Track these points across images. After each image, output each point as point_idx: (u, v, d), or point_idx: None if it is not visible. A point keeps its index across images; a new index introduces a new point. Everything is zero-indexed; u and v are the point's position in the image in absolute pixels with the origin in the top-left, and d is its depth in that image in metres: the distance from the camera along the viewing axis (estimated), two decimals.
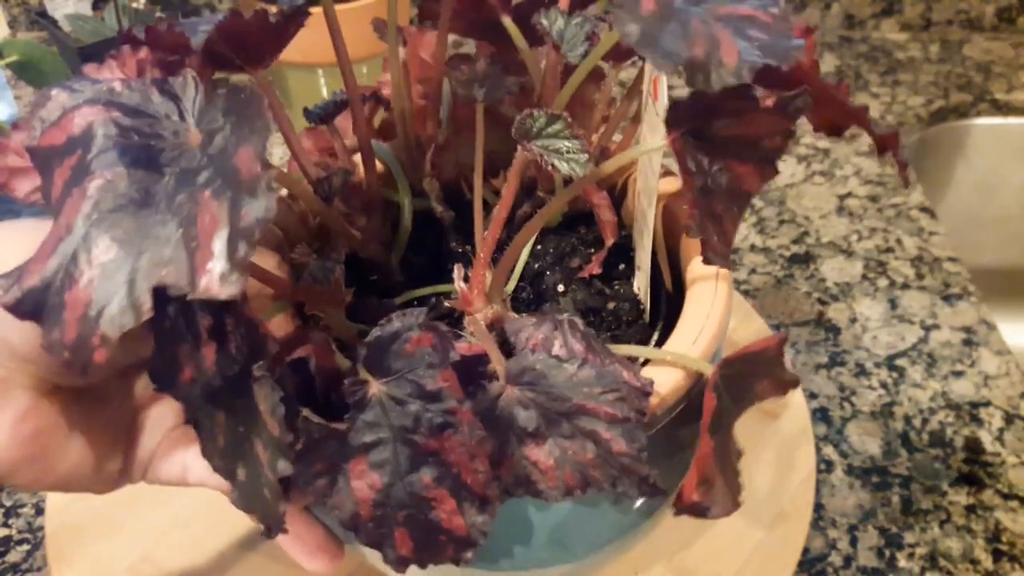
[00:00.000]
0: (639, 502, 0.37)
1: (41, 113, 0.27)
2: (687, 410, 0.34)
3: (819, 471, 0.56)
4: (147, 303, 0.24)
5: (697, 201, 0.30)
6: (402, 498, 0.28)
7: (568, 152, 0.30)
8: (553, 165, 0.30)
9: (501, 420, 0.29)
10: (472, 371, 0.29)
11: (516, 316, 0.34)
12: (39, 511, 0.56)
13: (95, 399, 0.32)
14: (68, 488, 0.32)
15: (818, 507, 0.54)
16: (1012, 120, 0.95)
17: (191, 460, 0.34)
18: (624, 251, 0.43)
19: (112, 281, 0.24)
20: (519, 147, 0.31)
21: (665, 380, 0.32)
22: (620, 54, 0.42)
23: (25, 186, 0.33)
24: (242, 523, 0.54)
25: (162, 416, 0.35)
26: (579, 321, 0.32)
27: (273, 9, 0.31)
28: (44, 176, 0.27)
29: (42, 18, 0.91)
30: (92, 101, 0.27)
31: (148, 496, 0.55)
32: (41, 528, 0.55)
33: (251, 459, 0.28)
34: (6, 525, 0.56)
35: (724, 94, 0.28)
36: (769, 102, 0.31)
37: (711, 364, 0.32)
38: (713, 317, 0.35)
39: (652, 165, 0.36)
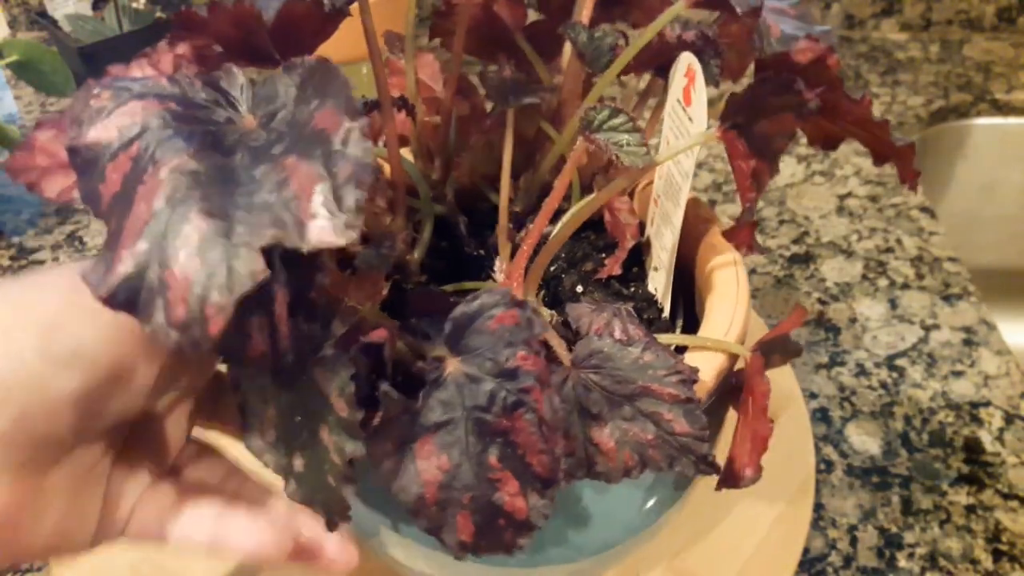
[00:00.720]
0: (651, 502, 0.37)
1: (81, 113, 0.27)
2: (717, 395, 0.34)
3: (819, 471, 0.56)
4: (260, 264, 0.24)
5: (752, 187, 0.31)
6: (468, 479, 0.28)
7: (628, 145, 0.31)
8: (617, 156, 0.31)
9: (567, 403, 0.30)
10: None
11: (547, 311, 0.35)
12: None
13: (71, 467, 0.30)
14: (41, 558, 0.31)
15: (818, 507, 0.54)
16: (1012, 120, 0.96)
17: (171, 518, 0.33)
18: (634, 255, 0.43)
19: (216, 250, 0.24)
20: (580, 138, 0.32)
21: (708, 366, 0.33)
22: (639, 65, 0.42)
23: (55, 185, 0.33)
24: None
25: (138, 475, 0.33)
26: (632, 310, 0.32)
27: None
28: (87, 173, 0.27)
29: (42, 18, 0.91)
30: (140, 96, 0.27)
31: None
32: None
33: (312, 446, 0.28)
34: None
35: (774, 87, 0.29)
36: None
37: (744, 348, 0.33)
38: (740, 303, 0.36)
39: (681, 167, 0.36)
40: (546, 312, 0.36)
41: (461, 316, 0.29)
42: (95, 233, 0.82)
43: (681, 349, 0.35)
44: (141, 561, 0.51)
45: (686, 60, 0.34)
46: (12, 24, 1.20)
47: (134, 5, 0.90)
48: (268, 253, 0.25)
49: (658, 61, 0.39)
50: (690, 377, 0.30)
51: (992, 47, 1.04)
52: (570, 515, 0.34)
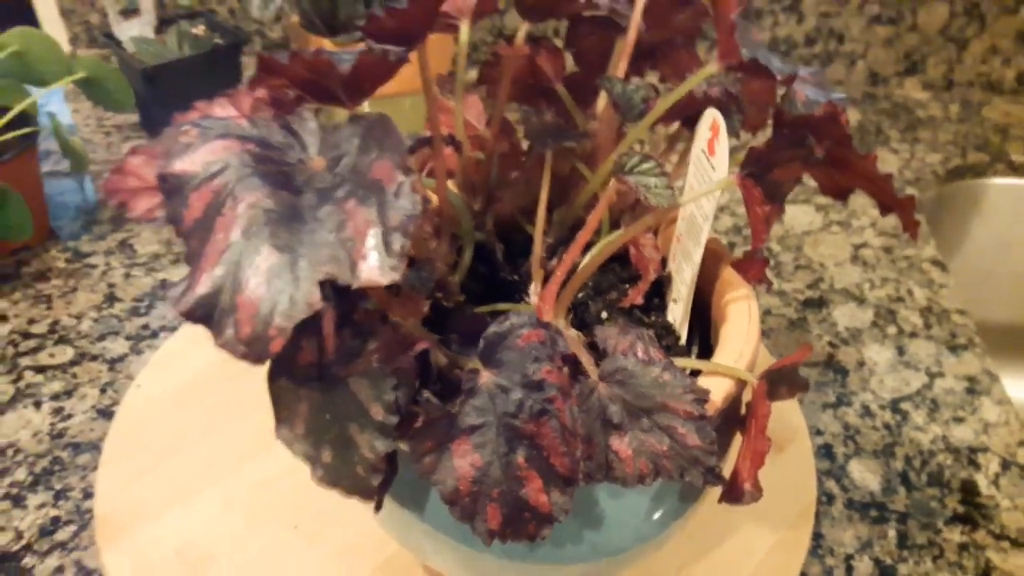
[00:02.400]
0: (659, 512, 0.41)
1: (172, 145, 0.32)
2: (726, 417, 0.38)
3: (820, 503, 0.59)
4: (316, 295, 0.28)
5: (765, 228, 0.35)
6: (497, 476, 0.32)
7: (655, 187, 0.35)
8: (645, 197, 0.35)
9: (591, 413, 0.34)
10: (568, 368, 0.33)
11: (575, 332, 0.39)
12: (87, 495, 0.60)
13: None
14: None
15: (818, 536, 0.57)
16: None
17: None
18: (655, 287, 0.47)
19: (280, 280, 0.29)
20: (613, 179, 0.36)
21: (718, 389, 0.37)
22: (668, 116, 0.46)
23: (142, 205, 0.37)
24: (284, 510, 0.57)
25: None
26: (652, 334, 0.36)
27: (359, 45, 0.36)
28: (173, 198, 0.31)
29: (108, 39, 0.97)
30: (223, 135, 0.32)
31: (194, 483, 0.59)
32: (88, 511, 0.59)
33: (341, 442, 0.32)
34: (55, 507, 0.60)
35: (789, 141, 0.33)
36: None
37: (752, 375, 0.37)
38: (751, 335, 0.40)
39: (703, 209, 0.40)
40: (574, 333, 0.40)
41: (493, 335, 0.33)
42: (145, 242, 0.86)
43: (695, 373, 0.38)
44: (187, 546, 0.55)
45: (711, 115, 0.38)
46: (73, 41, 1.27)
47: (194, 31, 0.96)
48: (323, 283, 0.29)
49: (685, 113, 0.43)
50: (702, 397, 0.33)
51: (1011, 109, 1.07)
52: (587, 517, 0.38)
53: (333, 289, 0.32)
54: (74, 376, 0.71)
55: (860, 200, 0.91)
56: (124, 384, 0.69)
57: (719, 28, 0.36)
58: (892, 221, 0.88)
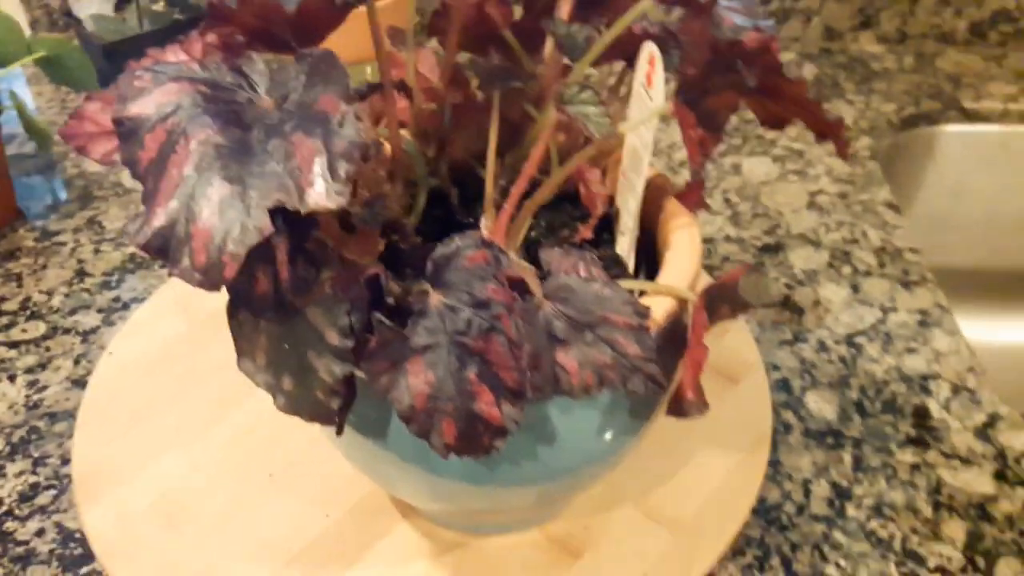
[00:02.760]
0: (607, 436, 0.42)
1: (127, 90, 0.33)
2: (670, 335, 0.40)
3: (778, 433, 0.62)
4: (266, 221, 0.30)
5: (699, 151, 0.37)
6: (451, 392, 0.34)
7: (595, 115, 0.37)
8: (585, 125, 0.36)
9: (538, 329, 0.35)
10: (514, 288, 0.35)
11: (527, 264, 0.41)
12: (65, 461, 0.62)
13: None
14: None
15: (776, 463, 0.59)
16: (979, 127, 1.01)
17: None
18: (604, 223, 0.48)
19: (232, 210, 0.30)
20: (553, 109, 0.37)
21: (659, 307, 0.39)
22: (610, 55, 0.48)
23: (100, 149, 0.38)
24: (257, 461, 0.59)
25: None
26: (594, 255, 0.38)
27: None
28: (129, 141, 0.32)
29: (68, 17, 0.97)
30: (176, 78, 0.33)
31: (168, 442, 0.61)
32: (67, 476, 0.60)
33: (300, 369, 0.34)
34: (34, 473, 0.61)
35: (721, 67, 0.35)
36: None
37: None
38: (692, 257, 0.41)
39: (643, 139, 0.42)
40: (528, 266, 0.41)
41: (440, 256, 0.35)
42: (113, 218, 0.87)
43: (642, 296, 0.40)
44: (161, 499, 0.56)
45: (648, 48, 0.39)
46: (33, 26, 1.26)
47: (154, 7, 0.96)
48: (273, 212, 0.31)
49: (628, 52, 0.44)
50: (641, 309, 0.35)
51: (963, 59, 1.10)
52: (541, 434, 0.39)
53: (285, 220, 0.34)
54: (47, 349, 0.72)
55: (816, 150, 0.93)
56: (98, 354, 0.70)
57: None
58: (847, 168, 0.90)
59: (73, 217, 0.88)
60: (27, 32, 1.27)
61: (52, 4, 1.23)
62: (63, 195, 0.91)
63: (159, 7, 0.97)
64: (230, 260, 0.31)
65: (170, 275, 0.32)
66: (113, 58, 0.92)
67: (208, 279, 0.31)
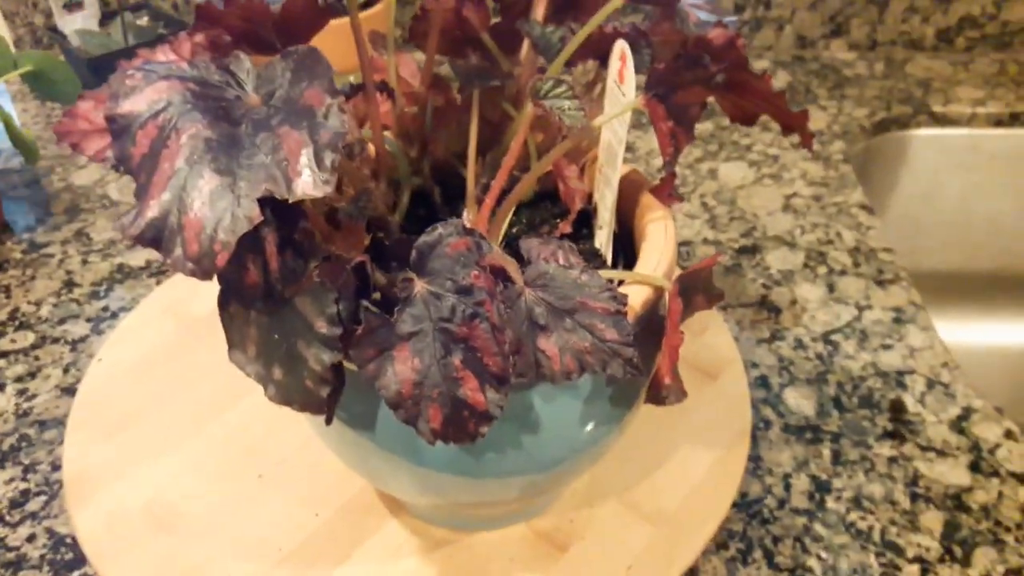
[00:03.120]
0: (590, 426, 0.44)
1: (119, 88, 0.34)
2: (647, 323, 0.41)
3: (757, 429, 0.63)
4: (255, 210, 0.31)
5: (671, 144, 0.38)
6: (436, 378, 0.35)
7: (569, 109, 0.38)
8: (559, 118, 0.38)
9: (520, 315, 0.36)
10: (496, 276, 0.36)
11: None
12: (55, 467, 0.62)
13: None
14: None
15: (756, 458, 0.61)
16: (949, 131, 1.04)
17: None
18: (583, 219, 0.50)
19: (222, 200, 0.32)
20: (530, 103, 0.39)
21: (636, 295, 0.40)
22: (584, 54, 0.49)
23: (93, 146, 0.40)
24: (248, 462, 0.60)
25: None
26: (573, 245, 0.39)
27: None
28: (122, 138, 0.34)
29: (53, 33, 0.98)
30: (166, 77, 0.34)
31: (158, 445, 0.61)
32: (57, 482, 0.61)
33: (290, 358, 0.35)
34: (25, 479, 0.61)
35: (687, 63, 0.36)
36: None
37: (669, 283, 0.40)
38: (667, 248, 0.43)
39: (617, 135, 0.43)
40: (507, 256, 0.43)
41: (423, 244, 0.36)
42: (101, 229, 0.88)
43: (620, 285, 0.42)
44: (153, 502, 0.57)
45: (619, 46, 0.41)
46: (18, 44, 1.27)
47: (139, 22, 0.98)
48: (263, 203, 0.32)
49: (600, 51, 0.46)
50: (618, 295, 0.37)
51: (932, 65, 1.12)
52: (525, 424, 0.41)
53: (273, 212, 0.35)
54: (36, 359, 0.72)
55: (791, 155, 0.95)
56: (87, 363, 0.71)
57: None
58: (821, 172, 0.92)
59: (60, 230, 0.88)
60: (12, 49, 1.28)
61: (36, 22, 1.24)
62: (50, 208, 0.92)
63: (144, 22, 0.98)
64: (221, 249, 0.32)
65: (163, 265, 0.33)
66: (98, 72, 0.93)
67: (200, 268, 0.32)
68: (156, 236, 0.33)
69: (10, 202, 0.93)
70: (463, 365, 0.35)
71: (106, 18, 1.00)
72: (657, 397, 0.40)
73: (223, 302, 0.37)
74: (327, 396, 0.36)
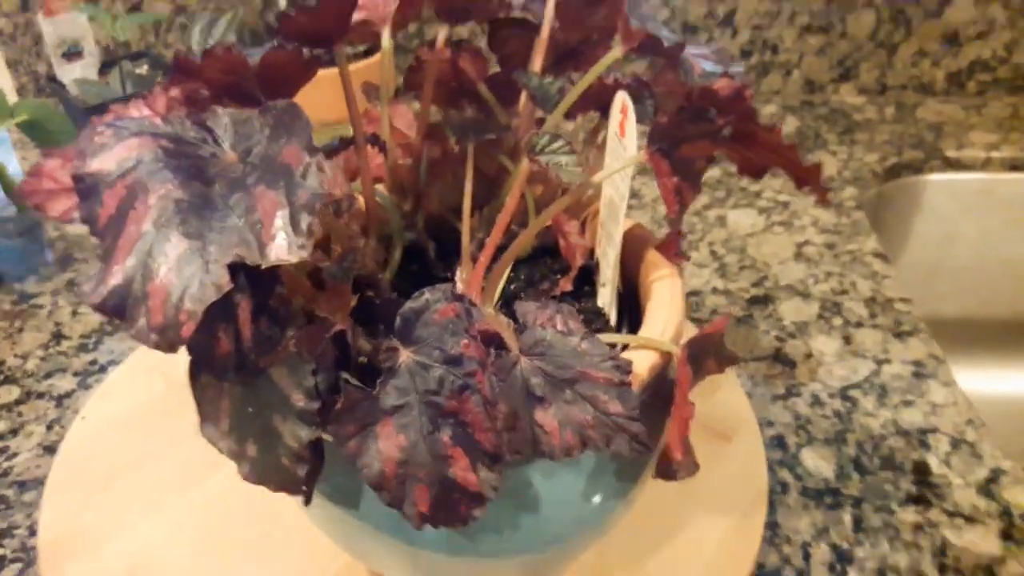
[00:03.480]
0: (593, 502, 0.40)
1: (87, 145, 0.32)
2: (655, 391, 0.38)
3: (774, 493, 0.59)
4: (225, 277, 0.29)
5: (676, 200, 0.35)
6: (423, 456, 0.32)
7: (566, 165, 0.36)
8: (557, 175, 0.35)
9: (515, 386, 0.34)
10: (488, 343, 0.33)
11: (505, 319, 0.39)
12: (32, 532, 0.59)
13: None
14: None
15: (773, 525, 0.57)
16: (963, 175, 1.01)
17: None
18: (585, 276, 0.47)
19: (190, 266, 0.29)
20: (526, 159, 0.36)
21: (642, 362, 0.37)
22: (584, 105, 0.47)
23: (59, 206, 0.37)
24: (231, 530, 0.56)
25: None
26: (572, 307, 0.37)
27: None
28: (88, 198, 0.31)
29: (52, 82, 0.97)
30: (138, 133, 0.32)
31: (138, 510, 0.58)
32: (34, 548, 0.58)
33: (265, 434, 0.32)
34: (1, 545, 0.58)
35: (691, 116, 0.34)
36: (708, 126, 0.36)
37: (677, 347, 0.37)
38: (675, 309, 0.40)
39: (619, 190, 0.41)
40: (504, 320, 0.40)
41: (409, 311, 0.33)
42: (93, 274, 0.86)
43: (624, 350, 0.39)
44: (133, 572, 0.54)
45: (620, 98, 0.39)
46: (21, 92, 1.27)
47: (138, 71, 0.97)
48: (235, 268, 0.29)
49: (601, 102, 0.44)
50: (622, 364, 0.34)
51: (944, 109, 1.10)
52: (524, 501, 0.37)
53: (247, 277, 0.33)
54: (20, 415, 0.69)
55: (801, 201, 0.93)
56: (71, 419, 0.68)
57: (619, 12, 0.37)
58: (833, 219, 0.89)
59: (52, 280, 0.86)
60: (13, 97, 1.27)
61: (39, 70, 1.24)
62: (43, 258, 0.90)
63: (143, 71, 0.97)
64: (188, 318, 0.29)
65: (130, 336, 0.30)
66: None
67: (165, 339, 0.29)
68: (119, 304, 0.30)
69: (3, 251, 0.91)
70: (452, 442, 0.32)
71: (106, 67, 0.99)
72: (667, 471, 0.37)
73: (193, 373, 0.34)
74: (305, 475, 0.33)
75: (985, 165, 1.01)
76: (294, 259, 0.29)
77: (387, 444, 0.32)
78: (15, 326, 0.80)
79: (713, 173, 0.99)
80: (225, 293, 0.30)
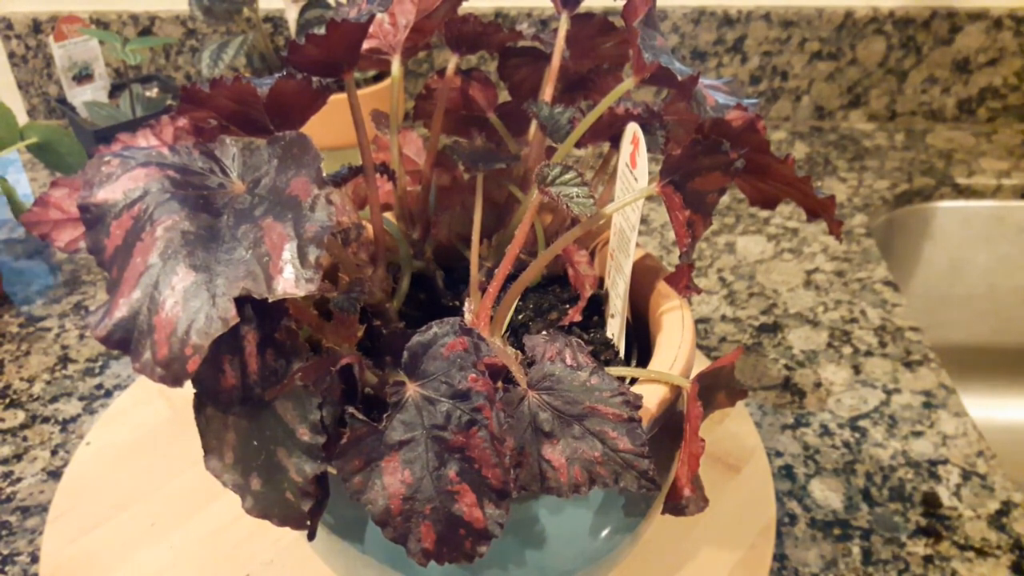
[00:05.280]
0: (600, 537, 0.40)
1: (94, 175, 0.32)
2: (664, 425, 0.38)
3: (783, 524, 0.59)
4: (232, 311, 0.28)
5: (687, 234, 0.35)
6: (429, 492, 0.32)
7: (578, 196, 0.36)
8: (568, 207, 0.35)
9: (522, 421, 0.33)
10: (496, 377, 0.33)
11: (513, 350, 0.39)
12: (34, 559, 0.59)
13: None
14: None
15: (781, 557, 0.56)
16: (974, 203, 1.01)
17: None
18: (594, 305, 0.47)
19: (196, 299, 0.29)
20: (536, 190, 0.36)
21: (652, 396, 0.36)
22: (594, 135, 0.47)
23: (65, 236, 0.37)
24: (235, 560, 0.56)
25: None
26: (582, 341, 0.36)
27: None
28: (95, 228, 0.31)
29: (62, 104, 0.98)
30: (145, 163, 0.32)
31: (141, 537, 0.58)
32: (36, 575, 0.57)
33: (269, 468, 0.32)
34: (3, 572, 0.58)
35: (706, 148, 0.34)
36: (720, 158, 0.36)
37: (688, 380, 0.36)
38: (685, 342, 0.39)
39: (629, 220, 0.40)
40: (512, 351, 0.40)
41: (416, 345, 0.33)
42: (100, 303, 0.86)
43: (633, 383, 0.38)
44: None
45: (631, 129, 0.39)
46: (31, 113, 1.28)
47: (148, 93, 0.97)
48: (242, 300, 0.29)
49: (611, 132, 0.44)
50: (631, 399, 0.33)
51: (954, 136, 1.10)
52: (530, 537, 0.37)
53: (254, 309, 0.32)
54: (24, 439, 0.69)
55: (810, 228, 0.92)
56: (76, 444, 0.68)
57: (631, 43, 0.37)
58: (843, 247, 0.89)
59: (59, 302, 0.86)
60: (24, 119, 1.28)
61: (50, 92, 1.25)
62: (51, 280, 0.90)
63: (153, 93, 0.97)
64: (193, 352, 0.29)
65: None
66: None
67: (170, 373, 0.29)
68: (124, 337, 0.30)
69: (11, 273, 0.91)
70: (459, 477, 0.32)
71: (116, 90, 1.00)
72: (676, 508, 0.36)
73: (199, 405, 0.34)
74: (309, 510, 0.33)
75: (996, 192, 1.00)
76: (302, 292, 0.28)
77: (392, 479, 0.32)
78: (22, 349, 0.80)
79: (722, 199, 0.98)
80: (230, 327, 0.30)
